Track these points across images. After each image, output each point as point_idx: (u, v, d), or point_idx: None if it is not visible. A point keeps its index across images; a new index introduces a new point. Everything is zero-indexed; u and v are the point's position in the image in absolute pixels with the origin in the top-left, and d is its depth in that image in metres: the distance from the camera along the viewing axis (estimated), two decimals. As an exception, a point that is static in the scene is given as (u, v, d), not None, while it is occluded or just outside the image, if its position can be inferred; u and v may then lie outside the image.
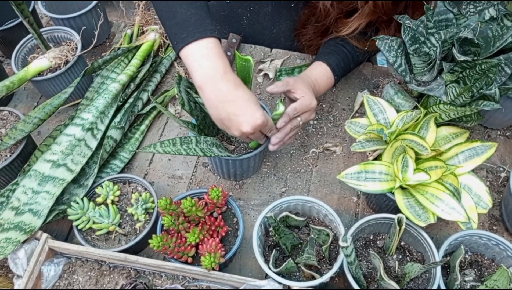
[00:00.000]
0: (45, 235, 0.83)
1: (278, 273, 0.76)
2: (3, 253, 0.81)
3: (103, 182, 0.91)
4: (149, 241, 0.77)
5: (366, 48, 1.00)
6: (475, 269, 0.81)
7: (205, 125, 0.91)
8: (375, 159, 0.88)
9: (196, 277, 0.80)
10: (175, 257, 0.80)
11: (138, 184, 0.93)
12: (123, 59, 1.14)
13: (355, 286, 0.74)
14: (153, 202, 0.89)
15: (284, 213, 0.83)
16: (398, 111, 0.91)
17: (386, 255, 0.82)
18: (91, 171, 0.96)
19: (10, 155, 0.94)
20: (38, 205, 0.87)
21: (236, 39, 1.19)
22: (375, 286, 0.79)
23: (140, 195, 0.89)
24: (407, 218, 0.76)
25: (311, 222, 0.86)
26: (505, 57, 0.81)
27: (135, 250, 0.88)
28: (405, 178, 0.79)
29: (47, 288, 0.82)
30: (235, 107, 0.77)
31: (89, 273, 0.83)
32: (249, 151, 0.92)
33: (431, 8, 0.85)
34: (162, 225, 0.82)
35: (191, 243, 0.80)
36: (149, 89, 1.14)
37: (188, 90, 0.86)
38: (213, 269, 0.76)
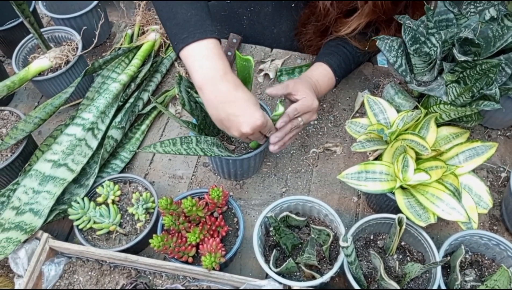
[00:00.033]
0: (45, 234, 0.83)
1: (278, 273, 0.76)
2: (4, 253, 0.81)
3: (103, 182, 0.91)
4: (150, 241, 0.77)
5: (366, 49, 1.00)
6: (476, 269, 0.81)
7: (205, 125, 0.92)
8: (376, 159, 0.88)
9: (196, 277, 0.80)
10: (175, 257, 0.80)
11: (138, 184, 0.93)
12: (123, 59, 1.14)
13: (355, 286, 0.74)
14: (153, 202, 0.89)
15: (284, 213, 0.83)
16: (398, 111, 0.91)
17: (387, 255, 0.82)
18: (92, 171, 0.96)
19: (11, 155, 0.94)
20: (39, 205, 0.87)
21: (237, 39, 1.19)
22: (376, 286, 0.79)
23: (141, 195, 0.89)
24: (407, 218, 0.76)
25: (311, 222, 0.86)
26: (506, 57, 0.81)
27: (135, 250, 0.88)
28: (406, 178, 0.79)
29: (48, 287, 0.82)
30: (235, 108, 0.77)
31: (89, 273, 0.83)
32: (249, 151, 0.92)
33: (432, 8, 0.85)
34: (163, 225, 0.82)
35: (191, 243, 0.80)
36: (150, 89, 1.14)
37: (189, 90, 0.86)
38: (213, 269, 0.76)
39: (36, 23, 1.01)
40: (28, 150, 0.99)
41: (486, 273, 0.81)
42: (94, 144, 0.97)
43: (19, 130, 0.95)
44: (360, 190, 0.93)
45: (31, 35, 1.11)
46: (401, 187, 0.82)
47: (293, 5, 1.10)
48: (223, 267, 0.83)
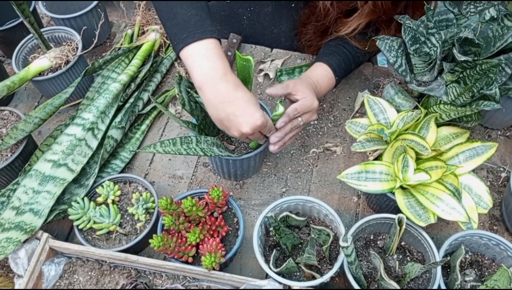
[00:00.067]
0: (45, 234, 0.83)
1: (278, 273, 0.76)
2: (4, 253, 0.81)
3: (103, 182, 0.91)
4: (150, 241, 0.77)
5: (366, 49, 1.00)
6: (476, 269, 0.81)
7: (205, 125, 0.92)
8: (376, 159, 0.88)
9: (196, 277, 0.80)
10: (175, 257, 0.80)
11: (138, 184, 0.93)
12: (123, 59, 1.14)
13: (355, 286, 0.74)
14: (153, 202, 0.89)
15: (284, 213, 0.83)
16: (398, 111, 0.91)
17: (387, 255, 0.82)
18: (92, 171, 0.96)
19: (11, 155, 0.94)
20: (39, 204, 0.87)
21: (237, 39, 1.19)
22: (376, 286, 0.79)
23: (141, 195, 0.89)
24: (407, 218, 0.76)
25: (311, 222, 0.86)
26: (506, 57, 0.81)
27: (135, 250, 0.88)
28: (406, 178, 0.79)
29: (48, 287, 0.82)
30: (235, 108, 0.77)
31: (89, 273, 0.83)
32: (249, 151, 0.92)
33: (432, 8, 0.85)
34: (163, 225, 0.82)
35: (191, 243, 0.80)
36: (150, 89, 1.14)
37: (189, 90, 0.86)
38: (213, 269, 0.76)
39: (36, 23, 1.01)
40: (28, 150, 0.99)
41: (486, 273, 0.81)
42: (94, 144, 0.98)
43: (19, 130, 0.95)
44: (360, 190, 0.93)
45: (31, 35, 1.11)
46: (401, 187, 0.82)
47: (293, 5, 1.10)
48: (223, 267, 0.83)
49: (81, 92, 1.12)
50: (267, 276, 0.77)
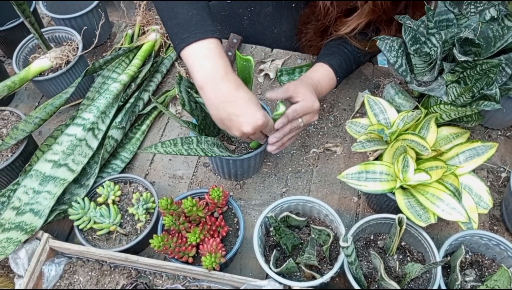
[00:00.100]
0: (46, 235, 0.83)
1: (278, 273, 0.76)
2: (4, 253, 0.81)
3: (104, 182, 0.91)
4: (150, 241, 0.77)
5: (367, 49, 1.00)
6: (476, 269, 0.81)
7: (205, 125, 0.92)
8: (376, 159, 0.88)
9: (196, 277, 0.81)
10: (175, 257, 0.80)
11: (139, 184, 0.94)
12: (124, 59, 1.14)
13: (355, 286, 0.74)
14: (154, 202, 0.89)
15: (284, 213, 0.83)
16: (398, 111, 0.91)
17: (387, 255, 0.82)
18: (92, 171, 0.96)
19: (11, 155, 0.95)
20: (39, 205, 0.88)
21: (237, 39, 1.19)
22: (376, 286, 0.79)
23: (141, 195, 0.89)
24: (407, 218, 0.76)
25: (311, 222, 0.86)
26: (506, 57, 0.81)
27: (136, 250, 0.88)
28: (406, 178, 0.79)
29: (48, 288, 0.82)
30: (236, 108, 0.77)
31: (90, 273, 0.83)
32: (249, 151, 0.92)
33: (432, 8, 0.85)
34: (163, 225, 0.82)
35: (191, 243, 0.80)
36: (150, 89, 1.14)
37: (189, 90, 0.86)
38: (213, 269, 0.76)
39: (37, 23, 1.01)
40: (29, 150, 0.99)
41: (486, 273, 0.81)
42: (94, 144, 0.98)
43: (20, 130, 0.95)
44: (360, 190, 0.93)
45: (31, 35, 1.11)
46: (401, 187, 0.82)
47: (293, 5, 1.10)
48: (223, 267, 0.83)
49: (82, 92, 1.12)
50: (267, 276, 0.77)
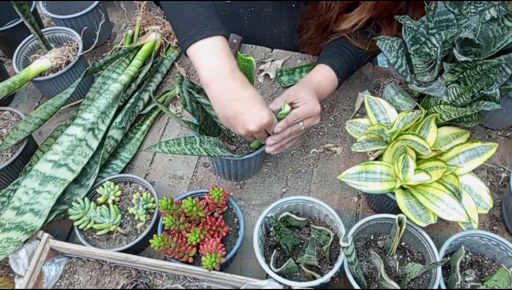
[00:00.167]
0: (46, 235, 0.83)
1: (278, 273, 0.76)
2: (4, 253, 0.81)
3: (104, 182, 0.91)
4: (150, 241, 0.77)
5: (367, 49, 1.00)
6: (476, 270, 0.81)
7: (206, 125, 0.92)
8: (376, 159, 0.88)
9: (197, 277, 0.81)
10: (176, 257, 0.80)
11: (139, 184, 0.94)
12: (124, 60, 1.14)
13: (355, 286, 0.74)
14: (154, 202, 0.89)
15: (284, 213, 0.83)
16: (398, 111, 0.91)
17: (387, 255, 0.82)
18: (92, 171, 0.96)
19: (12, 155, 0.95)
20: (39, 205, 0.88)
21: (237, 40, 1.19)
22: (376, 286, 0.79)
23: (141, 195, 0.89)
24: (407, 218, 0.76)
25: (311, 222, 0.86)
26: (506, 57, 0.81)
27: (136, 250, 0.88)
28: (406, 178, 0.79)
29: (48, 288, 0.82)
30: (242, 106, 0.77)
31: (90, 273, 0.83)
32: (250, 151, 0.92)
33: (432, 8, 0.85)
34: (163, 225, 0.82)
35: (192, 243, 0.80)
36: (150, 89, 1.14)
37: (190, 90, 0.86)
38: (214, 269, 0.76)
39: (37, 23, 1.01)
40: (29, 151, 0.99)
41: (486, 273, 0.81)
42: (94, 144, 0.98)
43: (20, 130, 0.95)
44: (361, 190, 0.93)
45: (31, 35, 1.11)
46: (402, 187, 0.82)
47: (293, 5, 1.10)
48: (223, 267, 0.83)
49: (82, 93, 1.12)
50: (267, 276, 0.77)
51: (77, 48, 1.10)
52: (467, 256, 0.83)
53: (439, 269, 0.75)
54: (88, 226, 0.86)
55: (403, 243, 0.83)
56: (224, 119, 0.80)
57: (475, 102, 0.82)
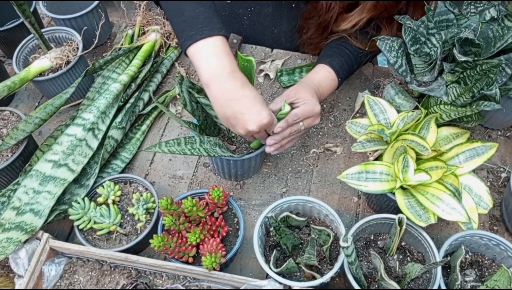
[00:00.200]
0: (46, 235, 0.83)
1: (278, 273, 0.76)
2: (4, 253, 0.81)
3: (104, 182, 0.91)
4: (150, 241, 0.77)
5: (368, 49, 1.00)
6: (476, 270, 0.81)
7: (206, 125, 0.92)
8: (376, 159, 0.88)
9: (197, 277, 0.81)
10: (176, 257, 0.80)
11: (139, 184, 0.94)
12: (124, 60, 1.14)
13: (355, 286, 0.74)
14: (154, 202, 0.89)
15: (285, 213, 0.83)
16: (398, 111, 0.91)
17: (387, 255, 0.82)
18: (92, 171, 0.96)
19: (12, 155, 0.95)
20: (39, 205, 0.88)
21: (237, 40, 1.19)
22: (376, 286, 0.79)
23: (141, 195, 0.89)
24: (407, 218, 0.76)
25: (311, 222, 0.86)
26: (506, 57, 0.81)
27: (136, 250, 0.88)
28: (406, 178, 0.79)
29: (48, 288, 0.82)
30: (242, 106, 0.77)
31: (90, 273, 0.83)
32: (250, 151, 0.92)
33: (432, 8, 0.85)
34: (163, 225, 0.82)
35: (192, 243, 0.80)
36: (150, 89, 1.14)
37: (190, 90, 0.86)
38: (214, 269, 0.77)
39: (37, 23, 1.01)
40: (29, 150, 0.99)
41: (486, 273, 0.81)
42: (94, 144, 0.98)
43: (20, 130, 0.95)
44: (361, 190, 0.93)
45: (31, 35, 1.11)
46: (401, 187, 0.82)
47: (293, 5, 1.10)
48: (223, 267, 0.83)
49: (82, 93, 1.12)
50: (267, 276, 0.77)
51: (77, 48, 1.10)
52: (467, 256, 0.83)
53: (439, 269, 0.75)
54: (88, 226, 0.86)
55: (403, 243, 0.83)
56: (224, 119, 0.80)
57: (475, 102, 0.82)
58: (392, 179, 0.81)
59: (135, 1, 1.25)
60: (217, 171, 1.00)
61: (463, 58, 0.78)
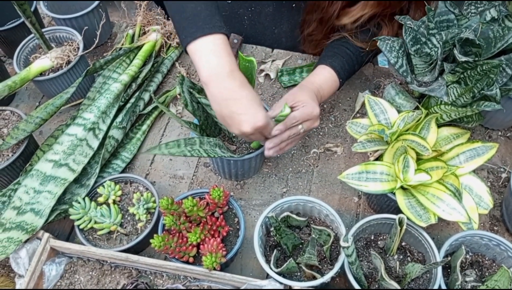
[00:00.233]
0: (46, 234, 0.83)
1: (279, 273, 0.77)
2: (5, 253, 0.81)
3: (104, 182, 0.91)
4: (151, 241, 0.77)
5: (368, 48, 0.99)
6: (476, 270, 0.81)
7: (207, 125, 0.92)
8: (376, 159, 0.88)
9: (197, 277, 0.81)
10: (176, 257, 0.80)
11: (139, 184, 0.94)
12: (124, 59, 1.14)
13: (356, 286, 0.74)
14: (154, 202, 0.89)
15: (285, 213, 0.83)
16: (399, 111, 0.91)
17: (387, 255, 0.82)
18: (93, 171, 0.96)
19: (12, 155, 0.95)
20: (40, 204, 0.88)
21: (238, 40, 1.19)
22: (376, 286, 0.79)
23: (142, 195, 0.89)
24: (408, 218, 0.76)
25: (312, 222, 0.86)
26: (506, 58, 0.81)
27: (136, 249, 0.88)
28: (406, 178, 0.79)
29: (49, 287, 0.82)
30: (238, 106, 0.77)
31: (90, 273, 0.83)
32: (250, 151, 0.92)
33: (433, 8, 0.86)
34: (164, 225, 0.82)
35: (192, 243, 0.80)
36: (151, 89, 1.14)
37: (191, 90, 0.87)
38: (214, 269, 0.77)
39: (38, 23, 1.01)
40: (29, 150, 0.99)
41: (487, 274, 0.81)
42: (95, 144, 0.98)
43: (20, 130, 0.95)
44: (361, 191, 0.93)
45: (32, 35, 1.11)
46: (402, 188, 0.82)
47: (294, 5, 1.10)
48: (223, 267, 0.83)
49: (82, 92, 1.12)
50: (267, 276, 0.77)
51: (78, 48, 1.10)
52: (468, 256, 0.83)
53: (440, 269, 0.75)
54: (89, 226, 0.86)
55: (403, 243, 0.83)
56: (221, 118, 0.80)
57: (476, 102, 0.82)
58: (392, 179, 0.81)
59: (136, 1, 1.25)
60: (217, 171, 1.00)
61: (464, 59, 0.78)
